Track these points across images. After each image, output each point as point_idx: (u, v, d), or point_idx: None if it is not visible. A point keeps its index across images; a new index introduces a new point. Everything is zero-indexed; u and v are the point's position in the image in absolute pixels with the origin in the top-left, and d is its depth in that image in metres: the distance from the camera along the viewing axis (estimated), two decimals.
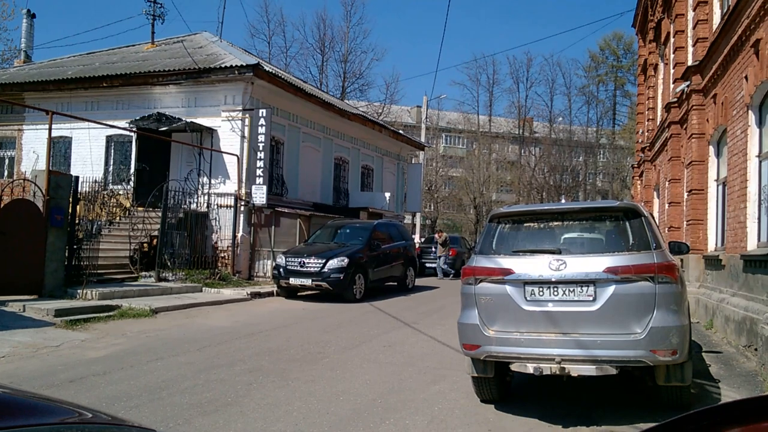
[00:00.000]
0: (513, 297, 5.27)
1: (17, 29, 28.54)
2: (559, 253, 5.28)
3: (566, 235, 5.63)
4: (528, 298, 5.22)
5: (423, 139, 36.50)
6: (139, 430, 1.34)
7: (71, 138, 19.48)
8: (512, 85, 62.21)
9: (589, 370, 4.97)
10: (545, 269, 5.19)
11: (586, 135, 58.33)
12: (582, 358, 4.99)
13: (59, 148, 19.59)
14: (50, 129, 12.72)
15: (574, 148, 55.75)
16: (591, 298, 5.04)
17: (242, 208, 17.23)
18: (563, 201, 7.81)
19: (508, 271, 5.32)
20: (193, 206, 16.85)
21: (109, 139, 19.29)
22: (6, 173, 21.14)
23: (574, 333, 5.05)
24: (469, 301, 5.51)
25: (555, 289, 5.16)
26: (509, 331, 5.26)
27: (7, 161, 21.47)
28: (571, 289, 5.12)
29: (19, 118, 20.62)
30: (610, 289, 5.01)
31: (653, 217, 6.10)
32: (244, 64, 17.19)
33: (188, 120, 17.35)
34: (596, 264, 5.09)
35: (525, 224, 5.78)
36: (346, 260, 13.97)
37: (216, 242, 17.06)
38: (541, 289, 5.20)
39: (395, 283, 16.75)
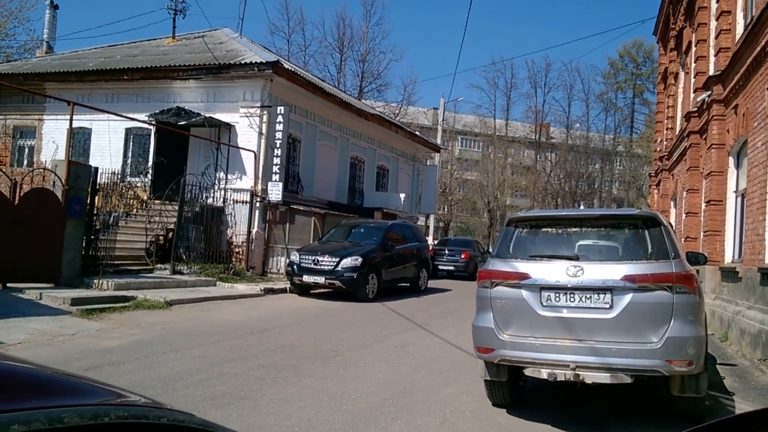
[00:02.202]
0: (529, 302, 5.26)
1: (40, 20, 28.85)
2: (577, 259, 5.27)
3: (584, 242, 5.62)
4: (544, 304, 5.21)
5: (439, 142, 36.48)
6: (179, 414, 1.36)
7: (91, 129, 19.66)
8: (530, 89, 61.80)
9: (603, 377, 4.95)
10: (562, 275, 5.18)
11: (603, 142, 57.98)
12: (597, 366, 4.97)
13: (79, 139, 19.76)
14: (71, 120, 12.84)
15: (590, 154, 55.47)
16: (608, 306, 5.02)
17: (258, 204, 17.30)
18: (582, 207, 7.75)
19: (525, 276, 5.31)
20: (210, 201, 16.96)
21: (128, 131, 19.45)
22: (26, 162, 21.37)
23: (590, 340, 5.03)
24: (485, 304, 5.51)
25: (571, 295, 5.15)
26: (524, 335, 5.25)
27: (27, 150, 21.71)
28: (588, 296, 5.11)
29: (40, 108, 20.84)
30: (628, 298, 4.98)
31: (672, 227, 6.07)
32: (264, 61, 17.27)
33: (207, 115, 17.46)
34: (614, 271, 5.08)
35: (543, 229, 5.78)
36: (360, 259, 13.99)
37: (231, 237, 17.16)
38: (557, 294, 5.19)
39: (408, 284, 16.74)
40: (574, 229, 5.69)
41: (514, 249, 5.65)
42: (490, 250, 36.97)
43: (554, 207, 50.28)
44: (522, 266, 5.40)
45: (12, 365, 1.38)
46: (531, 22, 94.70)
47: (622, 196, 57.83)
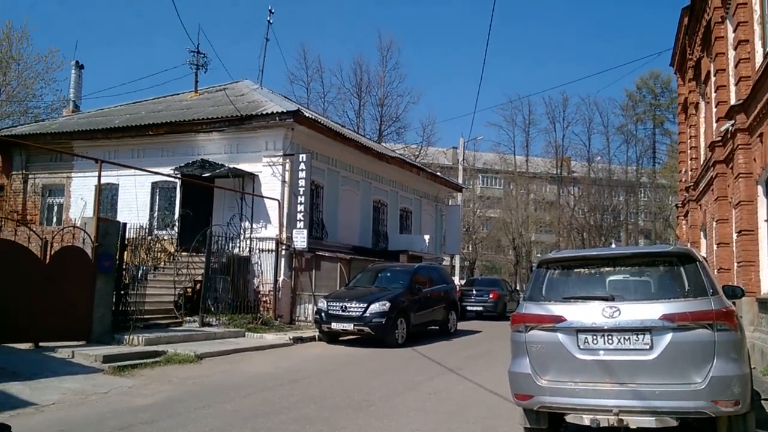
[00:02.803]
0: (566, 345, 5.16)
1: (66, 80, 29.94)
2: (612, 299, 5.18)
3: (618, 281, 5.52)
4: (581, 347, 5.11)
5: (460, 181, 36.54)
6: None
7: (118, 185, 20.01)
8: (549, 125, 61.28)
9: (648, 422, 4.82)
10: (598, 316, 5.09)
11: (626, 174, 57.56)
12: (641, 410, 4.84)
13: (106, 195, 20.09)
14: (99, 177, 13.08)
15: (613, 187, 55.02)
16: (647, 347, 4.91)
17: (283, 252, 17.36)
18: (613, 246, 7.70)
19: (560, 319, 5.22)
20: (236, 251, 17.06)
21: (155, 185, 19.76)
22: (55, 219, 21.78)
23: (632, 383, 4.91)
24: (520, 349, 5.41)
25: (609, 337, 5.05)
26: (563, 380, 5.13)
27: (56, 208, 22.15)
28: (626, 337, 5.00)
29: (68, 166, 21.33)
30: (667, 337, 4.88)
31: (707, 261, 5.94)
32: (285, 111, 17.55)
33: (230, 166, 17.71)
34: (651, 311, 4.98)
35: (575, 270, 5.69)
36: (388, 304, 13.88)
37: (258, 286, 17.19)
38: (594, 337, 5.09)
39: (437, 327, 16.54)
40: (607, 269, 5.60)
41: (546, 291, 5.57)
42: (518, 288, 36.43)
43: (580, 242, 49.81)
44: (556, 309, 5.32)
45: None
46: (546, 59, 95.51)
47: (648, 227, 57.08)
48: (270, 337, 14.14)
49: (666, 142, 58.68)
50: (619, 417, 4.82)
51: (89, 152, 18.29)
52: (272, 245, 17.20)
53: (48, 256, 11.46)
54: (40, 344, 10.96)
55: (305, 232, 17.31)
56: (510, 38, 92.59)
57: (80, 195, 20.79)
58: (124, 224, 13.34)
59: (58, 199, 22.08)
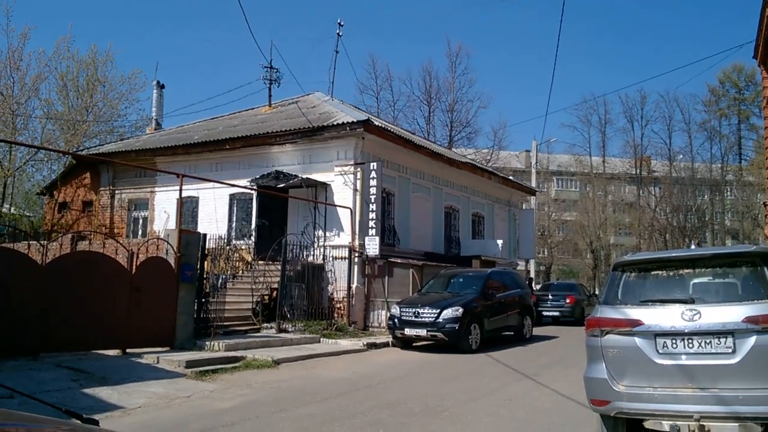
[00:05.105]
0: (643, 350, 5.01)
1: (148, 99, 31.46)
2: (692, 302, 5.00)
3: (698, 284, 5.33)
4: (660, 351, 4.95)
5: (533, 184, 35.97)
6: None
7: (198, 197, 20.81)
8: (626, 124, 58.88)
9: (731, 428, 4.65)
10: (677, 320, 4.92)
11: (710, 172, 54.96)
12: (723, 415, 4.66)
13: (187, 207, 20.92)
14: (181, 191, 13.64)
15: (697, 186, 52.68)
16: (730, 350, 4.73)
17: (356, 260, 17.57)
18: (693, 247, 7.40)
19: (637, 323, 5.08)
20: (310, 259, 17.40)
21: (232, 197, 20.42)
22: (140, 232, 22.84)
23: (714, 388, 4.74)
24: (596, 354, 5.30)
25: (689, 340, 4.87)
26: (641, 385, 4.99)
27: (141, 221, 23.23)
28: (708, 340, 4.82)
29: (152, 181, 22.35)
30: (751, 340, 4.68)
31: None
32: (355, 121, 17.81)
33: (304, 176, 18.10)
34: (734, 313, 4.79)
35: (652, 272, 5.53)
36: (461, 310, 13.81)
37: (332, 293, 17.46)
38: (674, 341, 4.92)
39: (512, 333, 16.32)
40: (686, 271, 5.42)
41: (623, 294, 5.44)
42: (597, 292, 35.49)
43: (662, 244, 47.96)
44: (633, 312, 5.18)
45: None
46: (620, 57, 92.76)
47: (736, 227, 54.35)
48: (344, 343, 14.33)
49: (753, 138, 55.64)
50: (701, 423, 4.65)
51: (171, 167, 19.11)
52: (345, 253, 17.44)
53: (134, 267, 12.02)
54: (128, 351, 11.50)
55: (377, 239, 17.47)
56: (582, 37, 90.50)
57: (163, 208, 21.73)
58: (205, 235, 13.86)
59: (142, 212, 23.15)
